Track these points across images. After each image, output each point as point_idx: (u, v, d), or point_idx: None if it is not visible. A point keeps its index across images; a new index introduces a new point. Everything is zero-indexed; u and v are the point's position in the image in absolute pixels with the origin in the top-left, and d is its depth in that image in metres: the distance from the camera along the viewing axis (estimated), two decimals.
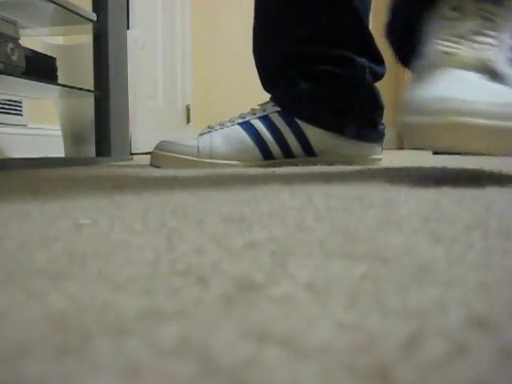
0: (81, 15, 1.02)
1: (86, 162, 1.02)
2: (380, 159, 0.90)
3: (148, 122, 2.06)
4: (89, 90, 1.08)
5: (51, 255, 0.19)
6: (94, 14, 1.07)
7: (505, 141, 0.45)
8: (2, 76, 0.84)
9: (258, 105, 0.85)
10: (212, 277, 0.16)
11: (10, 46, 0.85)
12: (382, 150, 0.90)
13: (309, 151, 0.85)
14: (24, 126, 1.58)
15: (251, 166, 0.80)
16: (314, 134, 0.83)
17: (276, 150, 0.82)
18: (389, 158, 1.13)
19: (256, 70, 0.89)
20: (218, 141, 0.82)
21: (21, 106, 1.54)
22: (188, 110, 2.41)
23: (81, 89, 1.06)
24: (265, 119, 0.82)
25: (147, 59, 2.06)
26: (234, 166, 0.81)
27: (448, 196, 0.38)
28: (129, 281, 0.16)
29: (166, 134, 1.88)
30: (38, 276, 0.16)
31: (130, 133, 1.49)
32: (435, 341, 0.11)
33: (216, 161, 0.81)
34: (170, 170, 0.73)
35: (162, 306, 0.13)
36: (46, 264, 0.18)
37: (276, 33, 0.84)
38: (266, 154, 0.82)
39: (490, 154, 0.49)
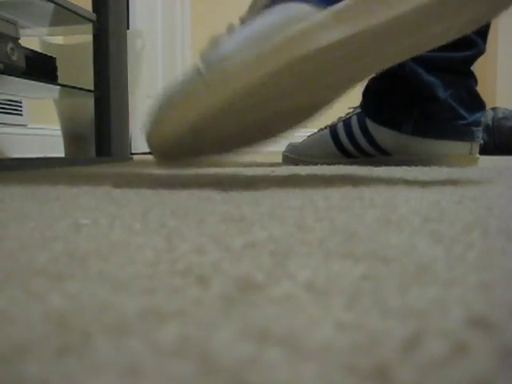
0: (81, 15, 1.02)
1: (85, 162, 1.02)
2: (477, 158, 0.85)
3: None
4: (89, 90, 1.08)
5: (51, 255, 0.19)
6: (94, 14, 1.07)
7: None
8: (2, 76, 0.84)
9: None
10: (212, 277, 0.16)
11: (10, 45, 0.85)
12: (474, 147, 0.85)
13: (382, 150, 0.86)
14: (24, 126, 1.58)
15: (336, 164, 0.86)
16: (377, 132, 0.83)
17: (352, 150, 0.87)
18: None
19: None
20: (306, 143, 0.94)
21: (21, 106, 1.54)
22: None
23: (81, 89, 1.06)
24: (346, 121, 0.88)
25: (147, 59, 2.06)
26: (317, 163, 0.89)
27: (448, 196, 0.38)
28: (129, 281, 0.16)
29: None
30: (38, 276, 0.16)
31: (130, 133, 1.49)
32: (435, 341, 0.11)
33: (302, 157, 0.93)
34: (170, 170, 0.73)
35: (162, 306, 0.13)
36: (45, 264, 0.18)
37: None
38: (346, 154, 0.88)
39: None
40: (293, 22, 0.45)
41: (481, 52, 0.85)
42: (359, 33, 0.44)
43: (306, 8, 0.45)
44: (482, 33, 0.85)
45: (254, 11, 0.50)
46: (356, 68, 0.50)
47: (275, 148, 0.99)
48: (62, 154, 1.49)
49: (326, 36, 0.44)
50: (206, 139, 0.48)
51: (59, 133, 1.49)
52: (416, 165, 0.82)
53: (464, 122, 0.84)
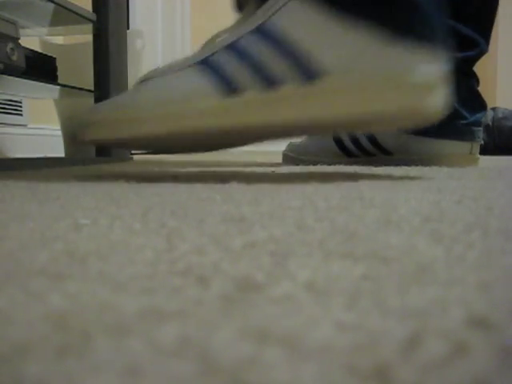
0: (81, 15, 1.02)
1: (85, 162, 1.02)
2: (477, 158, 0.84)
3: None
4: (89, 90, 1.08)
5: (51, 255, 0.19)
6: (94, 14, 1.07)
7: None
8: (2, 76, 0.84)
9: None
10: (212, 277, 0.16)
11: (10, 45, 0.85)
12: (475, 147, 0.85)
13: (382, 149, 0.86)
14: (24, 126, 1.58)
15: (336, 164, 0.86)
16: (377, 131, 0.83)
17: (353, 149, 0.87)
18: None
19: None
20: (306, 142, 0.93)
21: (21, 106, 1.54)
22: None
23: (81, 89, 1.06)
24: None
25: (147, 59, 2.06)
26: (318, 162, 0.89)
27: (448, 196, 0.38)
28: (129, 281, 0.16)
29: None
30: (38, 276, 0.16)
31: None
32: (435, 341, 0.11)
33: (302, 156, 0.93)
34: (170, 169, 0.73)
35: (162, 306, 0.13)
36: (45, 264, 0.18)
37: None
38: (346, 152, 0.88)
39: None
40: (191, 99, 0.51)
41: (483, 52, 0.85)
42: (241, 126, 0.50)
43: (207, 89, 0.50)
44: (485, 33, 0.85)
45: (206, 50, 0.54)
46: (245, 141, 0.56)
47: (276, 148, 0.98)
48: (62, 154, 1.49)
49: (211, 121, 0.50)
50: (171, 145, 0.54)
51: (59, 133, 1.49)
52: (416, 165, 0.82)
53: (465, 121, 0.84)
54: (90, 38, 1.12)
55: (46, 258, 0.18)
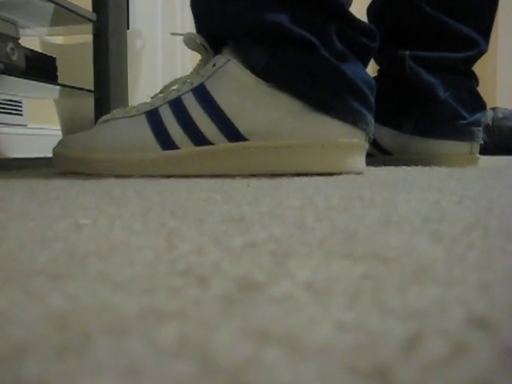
0: (81, 15, 1.02)
1: None
2: (477, 158, 0.83)
3: None
4: (89, 90, 1.08)
5: (51, 255, 0.19)
6: (94, 14, 1.07)
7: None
8: (2, 76, 0.84)
9: None
10: (212, 277, 0.16)
11: (10, 45, 0.85)
12: (474, 147, 0.84)
13: (382, 149, 0.86)
14: (24, 126, 1.58)
15: None
16: (377, 131, 0.83)
17: None
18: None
19: None
20: None
21: (21, 106, 1.54)
22: None
23: (81, 89, 1.06)
24: None
25: (147, 59, 2.06)
26: None
27: (448, 196, 0.38)
28: (129, 281, 0.16)
29: None
30: (38, 276, 0.16)
31: None
32: (435, 341, 0.11)
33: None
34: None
35: (161, 306, 0.13)
36: (46, 264, 0.18)
37: None
38: None
39: None
40: (135, 150, 0.59)
41: (482, 52, 0.85)
42: (178, 175, 0.58)
43: (149, 142, 0.59)
44: (484, 32, 0.85)
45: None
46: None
47: None
48: None
49: (152, 170, 0.58)
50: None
51: (59, 133, 1.48)
52: (416, 165, 0.82)
53: (464, 121, 0.84)
54: (90, 38, 1.12)
55: (46, 258, 0.18)
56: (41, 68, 1.00)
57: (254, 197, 0.37)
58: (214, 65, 0.60)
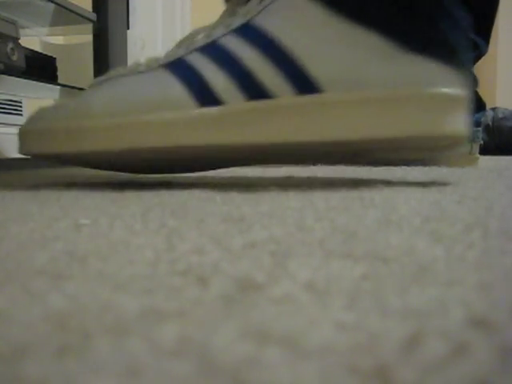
0: (81, 15, 1.02)
1: None
2: (477, 158, 0.82)
3: None
4: None
5: (51, 255, 0.19)
6: (94, 14, 1.07)
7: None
8: (2, 76, 0.84)
9: None
10: (212, 277, 0.16)
11: (10, 45, 0.85)
12: (474, 147, 0.83)
13: None
14: None
15: (336, 164, 0.82)
16: None
17: None
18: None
19: None
20: None
21: (21, 106, 1.54)
22: None
23: (81, 89, 1.06)
24: None
25: None
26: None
27: (448, 196, 0.38)
28: (129, 281, 0.16)
29: None
30: (38, 276, 0.16)
31: None
32: (435, 341, 0.11)
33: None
34: None
35: (162, 306, 0.13)
36: (46, 264, 0.18)
37: None
38: None
39: None
40: (159, 108, 0.41)
41: (482, 54, 0.85)
42: (221, 145, 0.42)
43: (180, 96, 0.42)
44: (484, 34, 0.85)
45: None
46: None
47: None
48: None
49: (183, 136, 0.41)
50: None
51: None
52: (416, 165, 0.82)
53: None
54: (90, 38, 1.12)
55: (46, 258, 0.18)
56: (41, 68, 1.00)
57: (253, 197, 0.37)
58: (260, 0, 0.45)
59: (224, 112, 0.41)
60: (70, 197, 0.38)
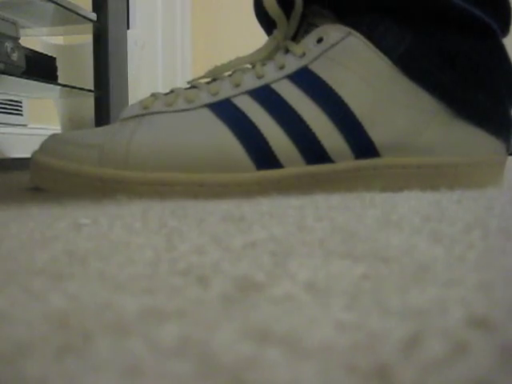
0: (81, 15, 1.02)
1: None
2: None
3: None
4: (89, 90, 1.08)
5: (51, 255, 0.19)
6: (94, 14, 1.07)
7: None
8: (2, 76, 0.84)
9: None
10: (212, 277, 0.16)
11: (10, 45, 0.85)
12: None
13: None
14: (24, 125, 1.58)
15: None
16: None
17: None
18: None
19: None
20: None
21: (21, 106, 1.54)
22: None
23: (81, 89, 1.06)
24: None
25: (147, 59, 2.06)
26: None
27: (448, 196, 0.37)
28: (129, 281, 0.16)
29: None
30: (38, 276, 0.16)
31: None
32: (435, 341, 0.11)
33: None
34: None
35: (162, 306, 0.13)
36: (45, 264, 0.18)
37: None
38: None
39: None
40: (222, 167, 0.37)
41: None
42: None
43: (243, 157, 0.38)
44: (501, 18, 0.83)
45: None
46: None
47: None
48: None
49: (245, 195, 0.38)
50: None
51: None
52: None
53: None
54: (90, 38, 1.12)
55: (46, 258, 0.18)
56: (41, 68, 1.00)
57: (254, 196, 0.37)
58: (319, 39, 0.41)
59: (284, 175, 0.39)
60: (69, 196, 0.38)
